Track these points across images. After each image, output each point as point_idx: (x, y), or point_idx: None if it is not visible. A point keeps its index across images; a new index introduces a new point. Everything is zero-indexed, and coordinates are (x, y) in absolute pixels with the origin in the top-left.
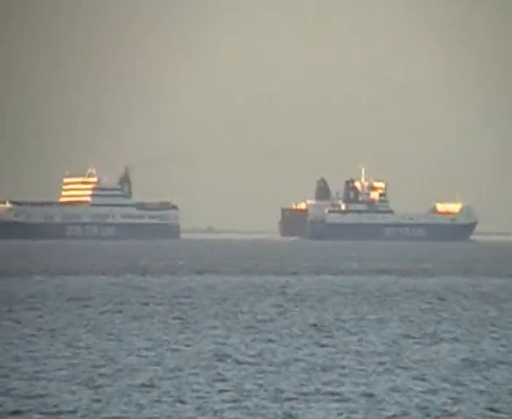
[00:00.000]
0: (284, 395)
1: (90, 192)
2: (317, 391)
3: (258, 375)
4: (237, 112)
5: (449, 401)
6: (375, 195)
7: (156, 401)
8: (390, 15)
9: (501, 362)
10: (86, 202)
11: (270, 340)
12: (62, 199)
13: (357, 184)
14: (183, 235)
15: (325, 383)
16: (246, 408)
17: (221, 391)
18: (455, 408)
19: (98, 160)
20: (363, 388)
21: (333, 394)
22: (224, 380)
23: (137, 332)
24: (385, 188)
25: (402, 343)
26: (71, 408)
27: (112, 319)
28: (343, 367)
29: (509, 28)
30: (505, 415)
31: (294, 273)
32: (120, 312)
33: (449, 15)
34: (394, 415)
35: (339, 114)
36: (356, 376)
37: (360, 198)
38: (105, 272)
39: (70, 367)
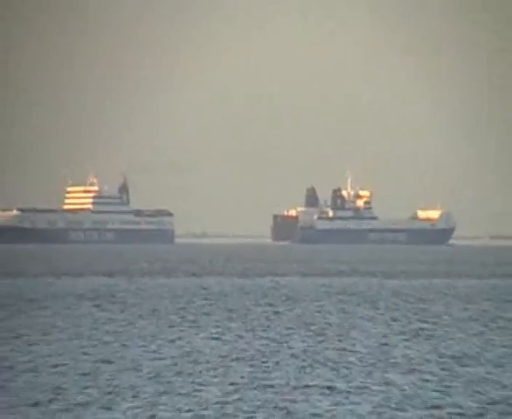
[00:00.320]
0: (282, 388)
1: (91, 200)
2: (314, 384)
3: (260, 369)
4: (233, 126)
5: (434, 393)
6: (360, 202)
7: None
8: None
9: (477, 357)
10: (88, 209)
11: (268, 338)
12: (65, 206)
13: (344, 193)
14: (177, 240)
15: (322, 377)
16: (249, 398)
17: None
18: (442, 400)
19: (98, 171)
20: (355, 382)
21: (328, 387)
22: (230, 373)
23: (140, 329)
24: (370, 197)
25: (388, 339)
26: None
27: (117, 317)
28: (337, 362)
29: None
30: (484, 404)
31: (285, 275)
32: (122, 311)
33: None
34: (382, 405)
35: (327, 128)
36: (350, 370)
37: (346, 206)
38: (105, 274)
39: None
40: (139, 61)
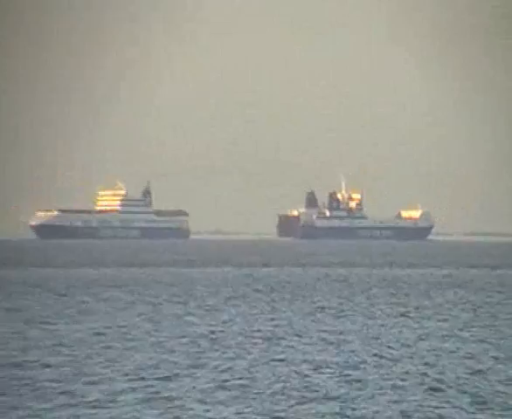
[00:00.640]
0: (301, 363)
1: (119, 202)
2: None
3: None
4: (243, 138)
5: (423, 366)
6: (353, 204)
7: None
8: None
9: (450, 336)
10: (116, 210)
11: (286, 319)
12: (97, 208)
13: (339, 196)
14: (192, 236)
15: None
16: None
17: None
18: (426, 370)
19: (125, 177)
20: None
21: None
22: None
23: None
24: (361, 199)
25: (378, 320)
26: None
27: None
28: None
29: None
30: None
31: (292, 265)
32: (156, 297)
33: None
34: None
35: (325, 139)
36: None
37: (341, 207)
38: (131, 265)
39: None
40: (160, 77)
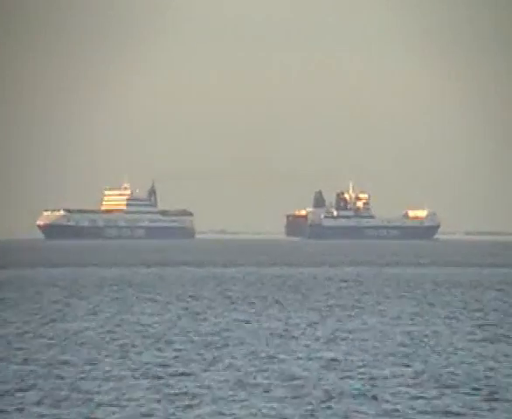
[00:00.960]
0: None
1: (125, 202)
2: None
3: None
4: (253, 142)
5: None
6: (360, 204)
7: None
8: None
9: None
10: (122, 210)
11: (301, 317)
12: (103, 207)
13: (346, 196)
14: (197, 236)
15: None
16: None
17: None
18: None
19: (131, 177)
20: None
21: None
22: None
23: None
24: (368, 199)
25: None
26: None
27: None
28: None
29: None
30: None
31: (300, 265)
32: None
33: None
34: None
35: (333, 140)
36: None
37: (348, 206)
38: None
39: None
40: (165, 77)
